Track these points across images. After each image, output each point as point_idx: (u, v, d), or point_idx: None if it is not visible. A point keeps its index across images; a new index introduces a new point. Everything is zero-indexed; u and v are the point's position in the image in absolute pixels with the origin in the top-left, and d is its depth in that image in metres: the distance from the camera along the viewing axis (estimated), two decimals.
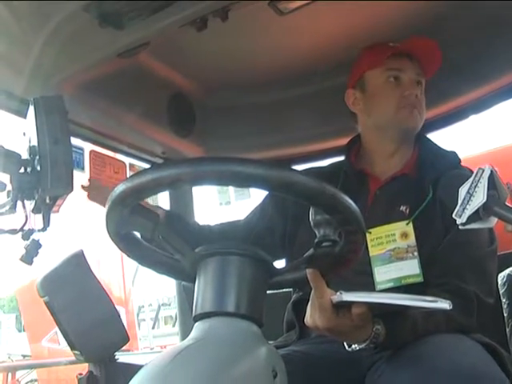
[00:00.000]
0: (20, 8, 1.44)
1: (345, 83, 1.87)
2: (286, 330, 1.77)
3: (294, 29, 1.92)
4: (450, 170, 1.65)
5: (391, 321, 1.29)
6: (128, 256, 1.23)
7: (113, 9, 1.47)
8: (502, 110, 2.33)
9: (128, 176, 1.95)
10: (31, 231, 1.27)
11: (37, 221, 1.26)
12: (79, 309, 1.57)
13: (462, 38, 1.97)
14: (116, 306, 1.71)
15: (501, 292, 1.83)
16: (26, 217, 1.25)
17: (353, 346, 1.30)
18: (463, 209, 1.11)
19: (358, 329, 1.24)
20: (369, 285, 1.59)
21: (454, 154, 1.76)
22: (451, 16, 1.92)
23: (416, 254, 1.58)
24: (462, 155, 1.78)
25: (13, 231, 1.26)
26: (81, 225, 6.86)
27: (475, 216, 1.10)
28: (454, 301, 1.12)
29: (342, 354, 1.37)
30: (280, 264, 1.44)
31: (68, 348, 1.69)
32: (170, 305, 13.67)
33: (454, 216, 1.12)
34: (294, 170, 1.01)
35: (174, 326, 11.88)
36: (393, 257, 1.60)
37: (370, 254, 1.61)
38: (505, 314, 1.83)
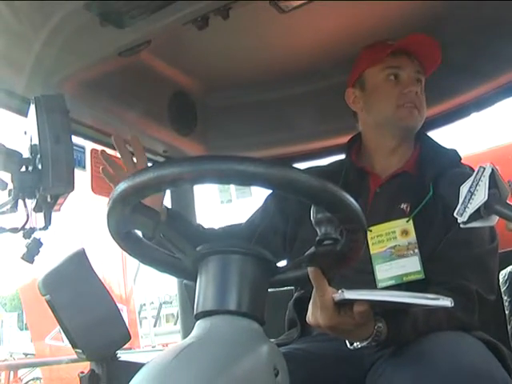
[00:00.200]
0: (21, 6, 1.44)
1: (346, 81, 1.87)
2: (288, 328, 1.78)
3: (295, 27, 1.92)
4: (451, 167, 1.65)
5: (393, 319, 1.29)
6: (129, 254, 1.23)
7: (114, 7, 1.47)
8: (503, 108, 2.33)
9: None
10: (32, 230, 1.27)
11: (38, 219, 1.26)
12: (81, 307, 1.57)
13: (462, 35, 1.97)
14: (118, 304, 1.71)
15: (502, 290, 1.83)
16: (28, 215, 1.25)
17: (354, 344, 1.30)
18: (464, 207, 1.11)
19: (360, 327, 1.24)
20: (370, 283, 1.59)
21: (454, 152, 1.76)
22: (451, 14, 1.92)
23: (417, 251, 1.58)
24: (463, 153, 1.78)
25: (14, 230, 1.26)
26: (82, 223, 6.87)
27: (476, 214, 1.10)
28: (455, 298, 1.12)
29: (343, 352, 1.37)
30: (282, 262, 1.44)
31: None
32: (171, 303, 13.69)
33: (455, 215, 1.12)
34: (296, 168, 1.00)
35: (175, 324, 11.90)
36: (393, 254, 1.60)
37: (371, 252, 1.61)
38: (506, 312, 1.83)
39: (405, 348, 1.36)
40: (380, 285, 1.60)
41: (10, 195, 1.22)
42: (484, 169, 1.10)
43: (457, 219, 1.13)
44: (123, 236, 1.17)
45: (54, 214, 1.27)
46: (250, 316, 1.09)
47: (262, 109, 2.32)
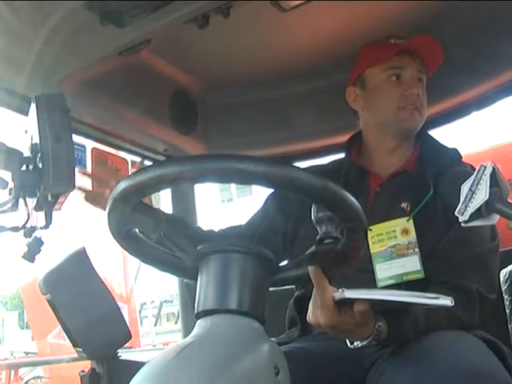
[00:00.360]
0: (21, 6, 1.44)
1: (346, 80, 1.87)
2: (288, 327, 1.78)
3: (295, 26, 1.92)
4: (451, 166, 1.65)
5: (393, 318, 1.29)
6: (130, 253, 1.23)
7: (114, 6, 1.47)
8: (504, 107, 2.33)
9: (130, 173, 1.95)
10: (33, 229, 1.27)
11: (39, 218, 1.27)
12: (82, 306, 1.57)
13: (462, 34, 1.97)
14: (118, 303, 1.72)
15: (503, 289, 1.83)
16: (28, 214, 1.25)
17: (355, 343, 1.30)
18: (465, 206, 1.11)
19: (360, 326, 1.24)
20: (370, 282, 1.59)
21: (455, 151, 1.75)
22: (451, 13, 1.92)
23: (417, 250, 1.58)
24: (464, 152, 1.78)
25: (15, 229, 1.26)
26: (83, 222, 6.86)
27: (477, 213, 1.10)
28: (456, 297, 1.12)
29: (343, 351, 1.37)
30: (282, 261, 1.44)
31: None
32: (172, 302, 13.68)
33: (456, 213, 1.12)
34: (297, 167, 1.00)
35: (176, 323, 11.89)
36: (394, 253, 1.60)
37: (371, 251, 1.61)
38: (507, 311, 1.83)
39: (405, 347, 1.36)
40: (380, 284, 1.60)
41: (10, 194, 1.22)
42: (485, 167, 1.10)
43: (457, 218, 1.13)
44: (124, 235, 1.17)
45: (54, 213, 1.27)
46: (251, 315, 1.09)
47: (262, 107, 2.32)
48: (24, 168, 1.22)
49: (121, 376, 1.56)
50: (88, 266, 1.62)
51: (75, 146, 1.41)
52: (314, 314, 1.24)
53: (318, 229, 1.13)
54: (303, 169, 1.00)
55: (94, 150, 1.96)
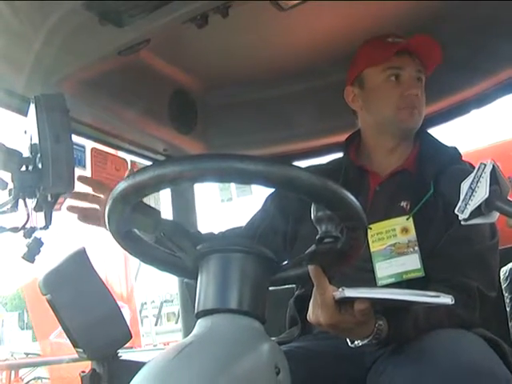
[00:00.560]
0: (20, 6, 1.44)
1: (345, 79, 1.86)
2: (289, 327, 1.78)
3: (294, 25, 1.92)
4: (451, 164, 1.64)
5: (393, 316, 1.29)
6: (130, 253, 1.23)
7: (113, 6, 1.47)
8: (504, 105, 2.33)
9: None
10: (33, 229, 1.27)
11: (38, 219, 1.27)
12: (82, 306, 1.57)
13: (461, 33, 1.97)
14: (119, 303, 1.71)
15: (503, 286, 1.83)
16: (28, 215, 1.25)
17: (355, 342, 1.30)
18: (465, 204, 1.11)
19: (361, 325, 1.24)
20: (370, 281, 1.59)
21: (454, 149, 1.75)
22: (450, 12, 1.92)
23: (417, 248, 1.58)
24: (463, 150, 1.78)
25: (15, 229, 1.26)
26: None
27: (477, 211, 1.10)
28: (456, 296, 1.12)
29: (344, 350, 1.37)
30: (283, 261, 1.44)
31: None
32: (172, 301, 13.69)
33: (456, 212, 1.12)
34: (296, 166, 1.00)
35: (176, 322, 11.89)
36: (393, 252, 1.60)
37: (371, 250, 1.61)
38: (507, 309, 1.83)
39: (406, 346, 1.36)
40: (380, 283, 1.60)
41: (10, 195, 1.22)
42: (485, 165, 1.10)
43: (457, 216, 1.13)
44: (123, 235, 1.17)
45: (54, 214, 1.27)
46: (251, 314, 1.09)
47: (261, 107, 2.32)
48: (23, 168, 1.22)
49: (121, 376, 1.56)
50: (88, 266, 1.62)
51: (75, 146, 1.41)
52: (314, 313, 1.24)
53: (318, 228, 1.13)
54: (303, 168, 1.00)
55: (93, 150, 1.96)
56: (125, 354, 1.65)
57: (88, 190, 1.73)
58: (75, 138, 1.53)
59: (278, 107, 2.30)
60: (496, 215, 1.11)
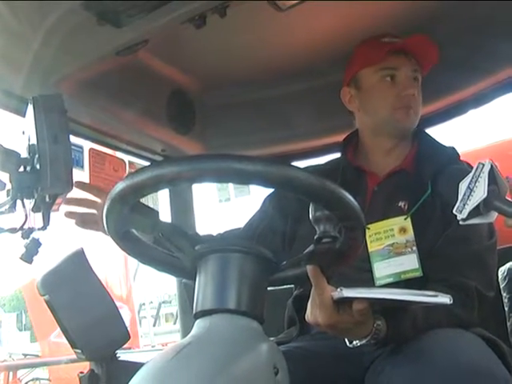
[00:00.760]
0: (18, 6, 1.44)
1: (342, 80, 1.87)
2: (287, 327, 1.78)
3: (292, 25, 1.92)
4: (449, 164, 1.64)
5: (392, 316, 1.29)
6: (128, 254, 1.23)
7: (111, 6, 1.47)
8: (501, 104, 2.33)
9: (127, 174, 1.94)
10: (31, 230, 1.27)
11: (36, 219, 1.26)
12: (80, 307, 1.56)
13: (458, 33, 1.97)
14: (117, 303, 1.71)
15: (501, 286, 1.84)
16: (26, 216, 1.25)
17: (354, 342, 1.30)
18: (464, 204, 1.11)
19: (359, 325, 1.24)
20: (368, 281, 1.59)
21: (452, 149, 1.76)
22: (448, 12, 1.92)
23: (415, 248, 1.58)
24: (461, 150, 1.78)
25: (13, 230, 1.25)
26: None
27: (475, 211, 1.10)
28: (454, 295, 1.12)
29: (342, 350, 1.37)
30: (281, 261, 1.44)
31: None
32: (170, 302, 13.68)
33: (454, 211, 1.12)
34: (294, 167, 1.00)
35: (174, 323, 11.88)
36: (392, 252, 1.61)
37: (369, 250, 1.62)
38: (505, 308, 1.84)
39: (404, 346, 1.36)
40: (378, 282, 1.60)
41: (8, 195, 1.22)
42: (483, 165, 1.10)
43: (455, 216, 1.13)
44: (121, 235, 1.17)
45: (52, 214, 1.27)
46: (250, 315, 1.09)
47: (259, 107, 2.32)
48: (21, 169, 1.22)
49: (120, 377, 1.55)
50: (86, 267, 1.61)
51: (73, 147, 1.41)
52: (312, 313, 1.24)
53: (316, 228, 1.14)
54: (301, 168, 1.00)
55: (91, 150, 1.95)
56: (123, 355, 1.65)
57: (85, 194, 1.74)
58: (73, 139, 1.53)
59: (276, 107, 2.30)
60: (494, 215, 1.11)
